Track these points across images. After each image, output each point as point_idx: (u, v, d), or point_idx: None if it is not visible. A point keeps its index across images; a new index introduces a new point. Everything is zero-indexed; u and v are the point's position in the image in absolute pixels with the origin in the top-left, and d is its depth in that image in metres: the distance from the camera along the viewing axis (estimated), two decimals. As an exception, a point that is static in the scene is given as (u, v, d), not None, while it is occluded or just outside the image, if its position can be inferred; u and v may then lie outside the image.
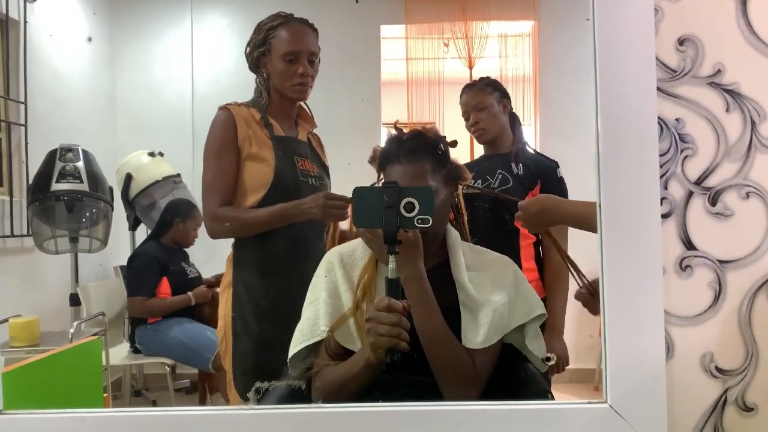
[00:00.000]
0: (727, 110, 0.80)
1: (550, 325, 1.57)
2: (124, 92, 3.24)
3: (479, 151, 1.88)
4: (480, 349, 1.07)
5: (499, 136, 1.78)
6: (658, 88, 0.80)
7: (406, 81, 3.28)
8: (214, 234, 1.48)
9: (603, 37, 0.77)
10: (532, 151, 1.83)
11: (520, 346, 1.13)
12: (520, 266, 1.70)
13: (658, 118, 0.80)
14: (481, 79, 1.85)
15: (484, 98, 1.77)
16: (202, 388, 2.73)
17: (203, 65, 3.22)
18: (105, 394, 1.25)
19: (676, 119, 0.80)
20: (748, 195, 0.80)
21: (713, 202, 0.81)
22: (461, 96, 1.83)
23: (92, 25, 3.11)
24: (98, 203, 2.51)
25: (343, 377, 1.04)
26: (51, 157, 2.46)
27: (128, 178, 2.85)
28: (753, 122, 0.80)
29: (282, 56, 1.48)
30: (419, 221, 0.95)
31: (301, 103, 1.58)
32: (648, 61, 0.77)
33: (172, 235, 2.70)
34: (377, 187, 1.02)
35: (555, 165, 1.75)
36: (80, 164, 2.45)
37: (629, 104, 0.76)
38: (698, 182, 0.81)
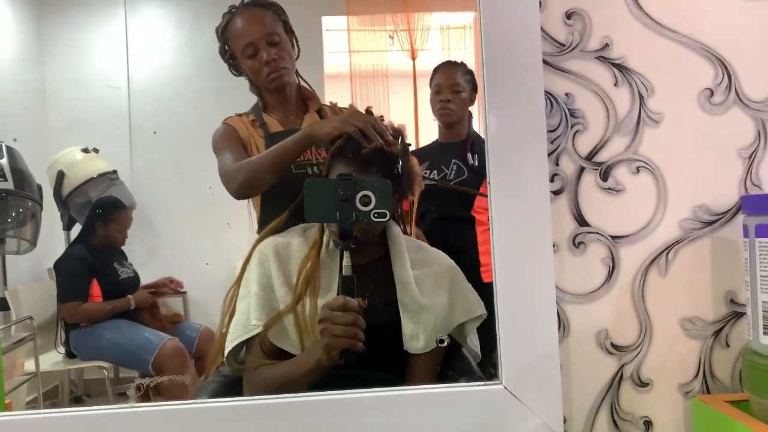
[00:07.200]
0: (616, 84, 0.80)
1: None
2: (54, 87, 3.11)
3: (423, 135, 1.87)
4: (424, 353, 1.04)
5: (460, 122, 1.79)
6: (548, 63, 0.79)
7: (350, 74, 3.24)
8: (240, 193, 1.36)
9: (488, 10, 0.75)
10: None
11: (456, 335, 1.11)
12: (478, 252, 1.70)
13: (548, 93, 0.79)
14: (464, 64, 1.84)
15: (464, 83, 1.78)
16: (145, 391, 2.63)
17: (139, 58, 3.11)
18: (7, 400, 1.19)
19: (566, 94, 0.79)
20: (638, 170, 0.80)
21: (604, 177, 0.80)
22: (439, 69, 1.80)
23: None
24: (25, 202, 2.40)
25: (287, 377, 0.99)
26: (-29, 155, 2.34)
27: (60, 175, 2.73)
28: (641, 96, 0.80)
29: (241, 54, 1.42)
30: (375, 215, 0.91)
31: (301, 83, 1.50)
32: (533, 33, 0.75)
33: (98, 237, 2.60)
34: (331, 179, 0.98)
35: None
36: (4, 161, 2.32)
37: (516, 78, 0.75)
38: (589, 158, 0.80)
